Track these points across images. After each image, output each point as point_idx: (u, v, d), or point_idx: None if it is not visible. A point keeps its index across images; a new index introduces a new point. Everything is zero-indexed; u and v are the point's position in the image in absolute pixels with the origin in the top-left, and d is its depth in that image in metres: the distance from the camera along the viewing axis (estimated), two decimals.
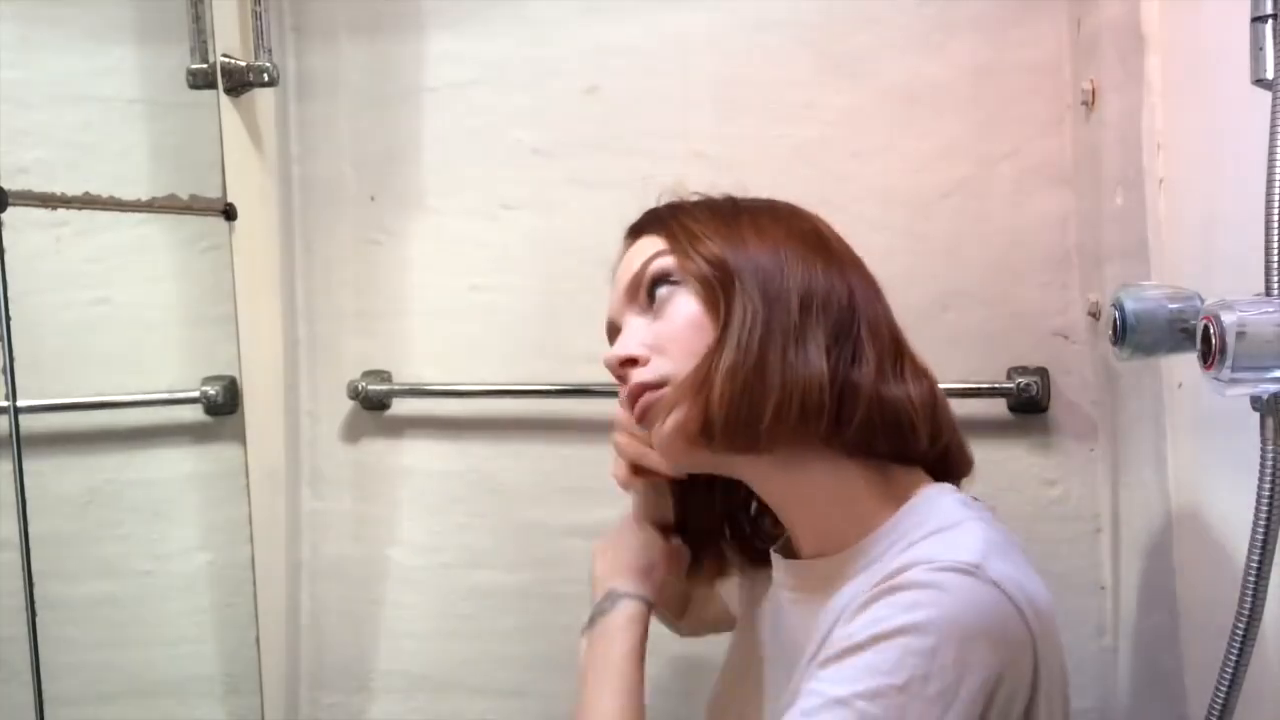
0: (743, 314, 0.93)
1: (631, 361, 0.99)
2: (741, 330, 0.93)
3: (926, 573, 0.83)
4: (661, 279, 1.00)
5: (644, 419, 0.99)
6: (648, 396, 0.98)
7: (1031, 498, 1.50)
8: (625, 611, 1.03)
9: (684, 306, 0.97)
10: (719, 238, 0.98)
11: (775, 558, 1.04)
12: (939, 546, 0.86)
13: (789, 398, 0.90)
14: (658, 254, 1.00)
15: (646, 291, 1.01)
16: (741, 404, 0.91)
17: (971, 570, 0.83)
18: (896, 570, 0.85)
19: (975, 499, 0.97)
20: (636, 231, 1.05)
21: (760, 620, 1.10)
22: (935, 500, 0.94)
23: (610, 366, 1.01)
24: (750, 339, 0.92)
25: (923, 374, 0.98)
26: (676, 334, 0.97)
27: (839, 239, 1.01)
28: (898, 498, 0.95)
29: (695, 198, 1.06)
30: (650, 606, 1.06)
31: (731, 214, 1.01)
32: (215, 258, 1.58)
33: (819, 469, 0.95)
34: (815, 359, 0.91)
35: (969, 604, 0.82)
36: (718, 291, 0.95)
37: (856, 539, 0.94)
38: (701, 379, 0.92)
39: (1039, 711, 0.85)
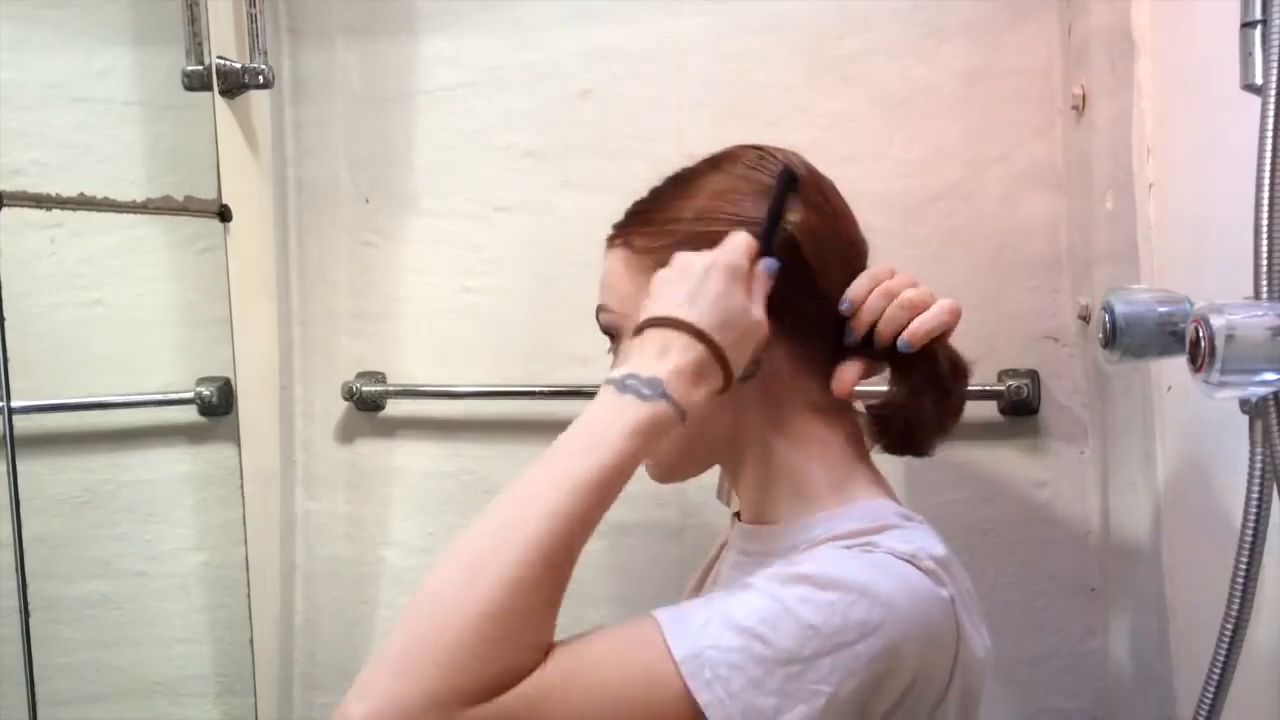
0: None
1: None
2: None
3: (885, 553, 0.84)
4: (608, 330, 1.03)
5: None
6: None
7: (1022, 500, 1.51)
8: (654, 415, 0.82)
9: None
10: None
11: (733, 520, 1.05)
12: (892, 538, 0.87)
13: None
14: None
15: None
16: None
17: (933, 574, 0.83)
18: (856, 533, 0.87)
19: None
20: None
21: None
22: (881, 506, 0.94)
23: None
24: None
25: None
26: None
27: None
28: (845, 494, 0.95)
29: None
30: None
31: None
32: (210, 259, 1.59)
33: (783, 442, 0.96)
34: None
35: (918, 599, 0.82)
36: None
37: (797, 517, 0.94)
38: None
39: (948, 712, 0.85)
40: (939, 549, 0.87)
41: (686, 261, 0.89)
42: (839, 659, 0.76)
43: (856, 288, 0.94)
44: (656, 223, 0.98)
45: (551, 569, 0.76)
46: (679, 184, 1.01)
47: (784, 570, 0.82)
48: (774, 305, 0.91)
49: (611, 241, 1.03)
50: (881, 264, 0.97)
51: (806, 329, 0.95)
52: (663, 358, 0.84)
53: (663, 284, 0.89)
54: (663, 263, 0.92)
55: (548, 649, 0.75)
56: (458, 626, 0.72)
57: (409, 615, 0.75)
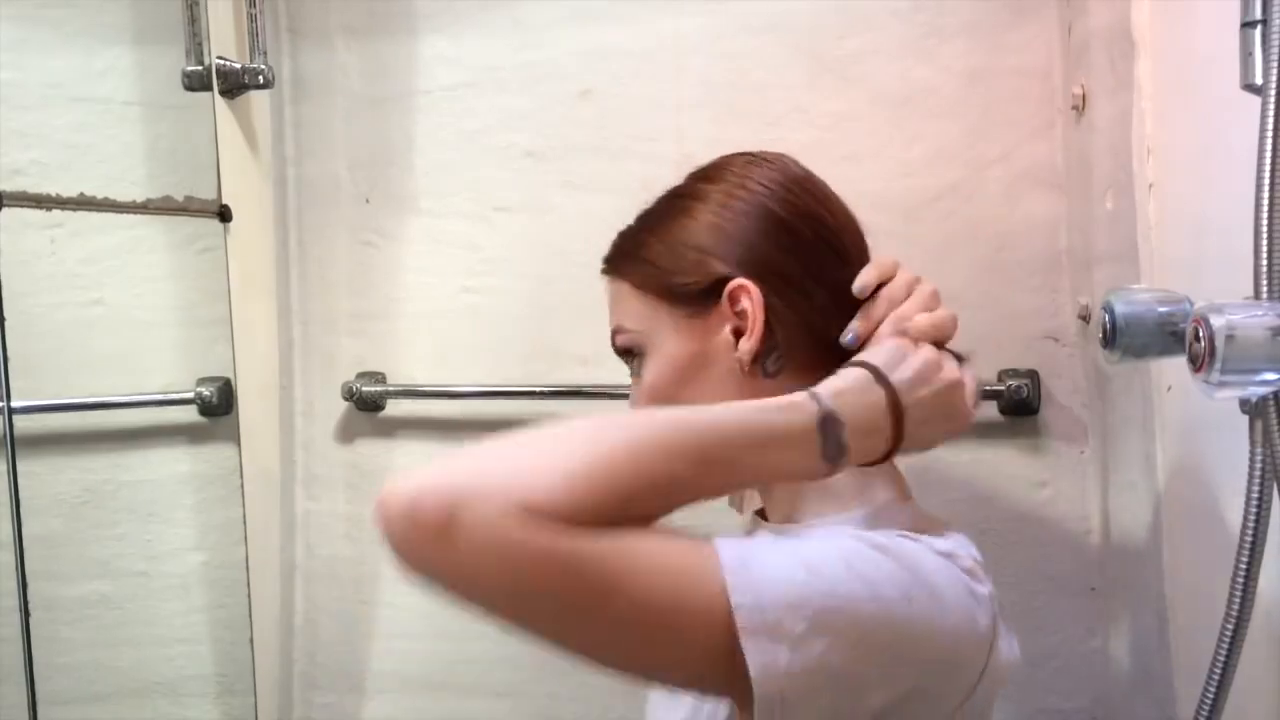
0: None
1: None
2: None
3: (925, 547, 0.85)
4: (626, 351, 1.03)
5: None
6: None
7: (1022, 499, 1.51)
8: (811, 472, 0.84)
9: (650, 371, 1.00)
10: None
11: (755, 519, 1.06)
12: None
13: None
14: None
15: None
16: None
17: (971, 573, 0.85)
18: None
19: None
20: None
21: None
22: (907, 509, 0.97)
23: None
24: None
25: None
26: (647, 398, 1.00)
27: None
28: (868, 495, 0.96)
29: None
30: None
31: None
32: (210, 259, 1.58)
33: None
34: None
35: (958, 591, 0.83)
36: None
37: (823, 515, 0.95)
38: None
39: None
40: (974, 551, 0.89)
41: (965, 390, 0.90)
42: (874, 611, 0.77)
43: (864, 278, 0.95)
44: (657, 255, 0.99)
45: (665, 475, 0.77)
46: (672, 206, 1.02)
47: (836, 530, 0.85)
48: (809, 320, 0.95)
49: (613, 276, 1.04)
50: (885, 256, 0.98)
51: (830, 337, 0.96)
52: (868, 436, 0.85)
53: (926, 374, 0.88)
54: (673, 296, 0.97)
55: None
56: (568, 450, 0.75)
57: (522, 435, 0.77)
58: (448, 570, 0.73)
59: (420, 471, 0.73)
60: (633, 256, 1.01)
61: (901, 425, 0.86)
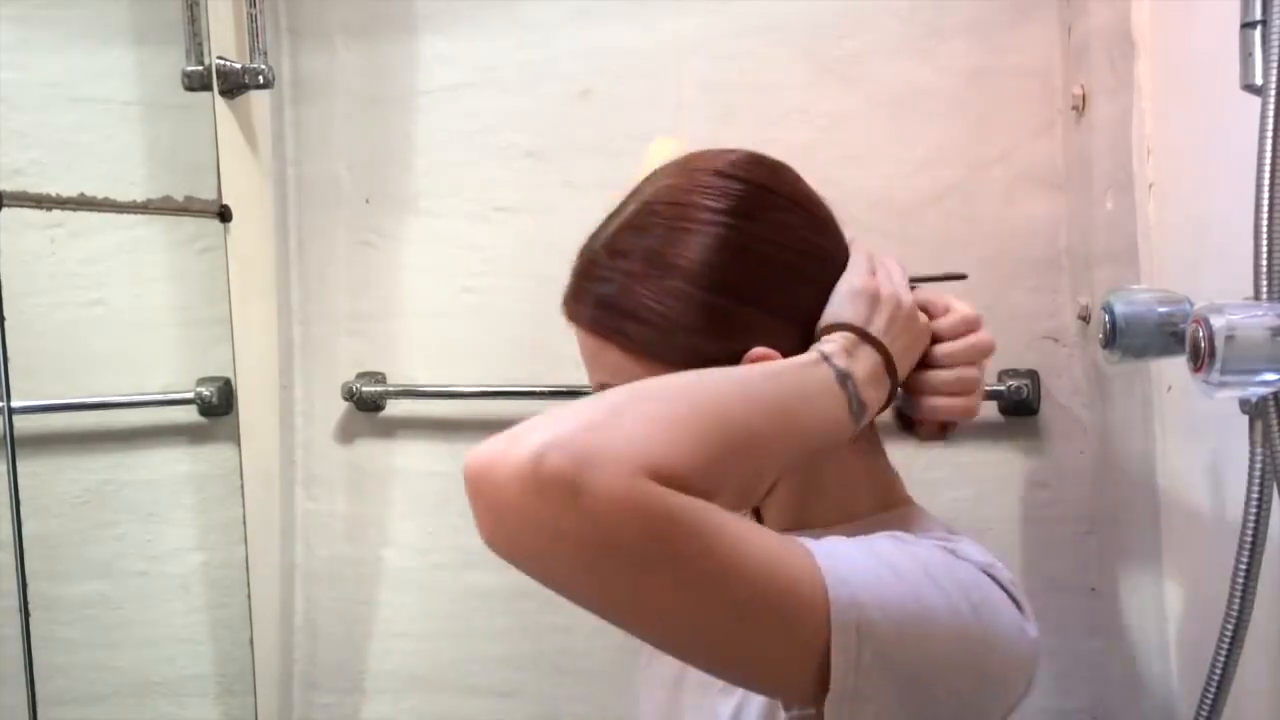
0: None
1: None
2: None
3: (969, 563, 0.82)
4: None
5: None
6: None
7: (1022, 500, 1.51)
8: (828, 385, 0.83)
9: None
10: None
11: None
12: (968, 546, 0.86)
13: None
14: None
15: None
16: None
17: (1011, 586, 0.83)
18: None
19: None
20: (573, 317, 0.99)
21: None
22: (928, 514, 0.95)
23: None
24: None
25: None
26: None
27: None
28: (888, 499, 0.96)
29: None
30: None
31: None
32: (210, 259, 1.58)
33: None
34: None
35: (1011, 617, 0.82)
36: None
37: (835, 522, 0.92)
38: None
39: None
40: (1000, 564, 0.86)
41: (891, 295, 0.90)
42: (950, 622, 0.76)
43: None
44: (654, 321, 0.89)
45: (746, 431, 0.75)
46: (654, 249, 0.91)
47: (903, 534, 0.84)
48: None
49: (596, 336, 0.95)
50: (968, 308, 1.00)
51: None
52: (874, 388, 0.85)
53: (896, 313, 0.90)
54: (679, 363, 0.85)
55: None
56: (673, 412, 0.71)
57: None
58: (570, 535, 0.66)
59: (523, 434, 0.67)
60: (620, 320, 0.92)
61: (895, 373, 0.87)
